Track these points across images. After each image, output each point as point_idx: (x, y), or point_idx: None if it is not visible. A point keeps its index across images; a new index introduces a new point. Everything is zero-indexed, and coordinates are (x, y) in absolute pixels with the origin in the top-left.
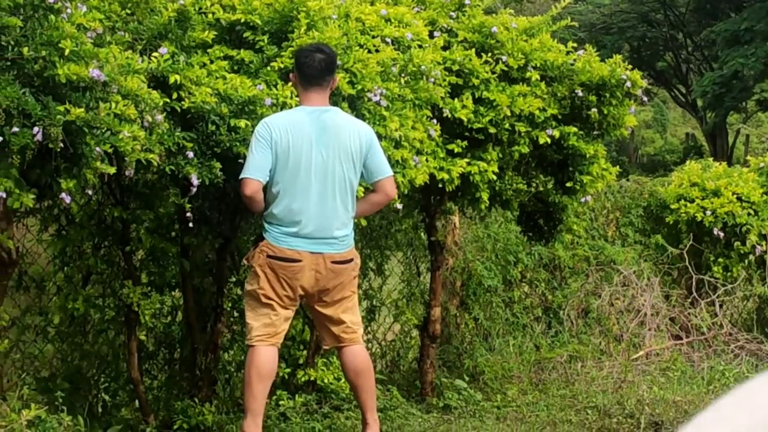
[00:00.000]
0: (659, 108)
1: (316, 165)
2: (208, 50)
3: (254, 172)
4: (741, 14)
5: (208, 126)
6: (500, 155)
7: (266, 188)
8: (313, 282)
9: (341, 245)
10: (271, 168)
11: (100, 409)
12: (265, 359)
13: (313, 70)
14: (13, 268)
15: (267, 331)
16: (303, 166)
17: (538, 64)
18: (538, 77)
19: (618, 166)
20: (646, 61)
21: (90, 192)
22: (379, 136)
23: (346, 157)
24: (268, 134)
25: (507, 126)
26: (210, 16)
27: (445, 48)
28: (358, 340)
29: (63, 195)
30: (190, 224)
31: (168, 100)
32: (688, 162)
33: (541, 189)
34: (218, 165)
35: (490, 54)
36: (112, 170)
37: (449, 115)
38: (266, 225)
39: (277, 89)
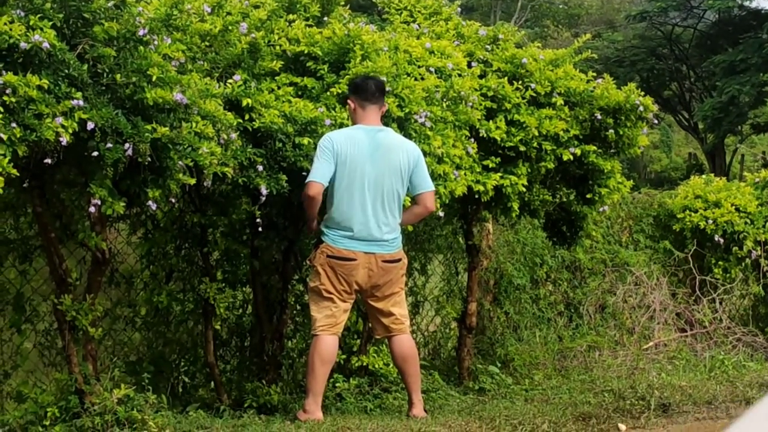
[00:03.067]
0: (665, 131)
1: (370, 177)
2: (276, 77)
3: (318, 176)
4: (737, 48)
5: (275, 143)
6: (529, 170)
7: (326, 196)
8: (366, 278)
9: (390, 246)
10: (332, 176)
11: (180, 390)
12: (327, 347)
13: (370, 90)
14: (106, 266)
15: (329, 322)
16: (358, 178)
17: (563, 91)
18: (563, 102)
19: (631, 181)
20: (654, 90)
21: (173, 200)
22: (424, 153)
23: (395, 171)
24: (331, 146)
25: (535, 145)
26: (277, 47)
27: (481, 76)
28: (406, 330)
29: (150, 203)
30: (260, 229)
31: (241, 121)
32: (692, 177)
33: (565, 200)
34: (284, 177)
35: (520, 82)
36: (193, 181)
37: (485, 135)
38: (325, 229)
39: (335, 111)
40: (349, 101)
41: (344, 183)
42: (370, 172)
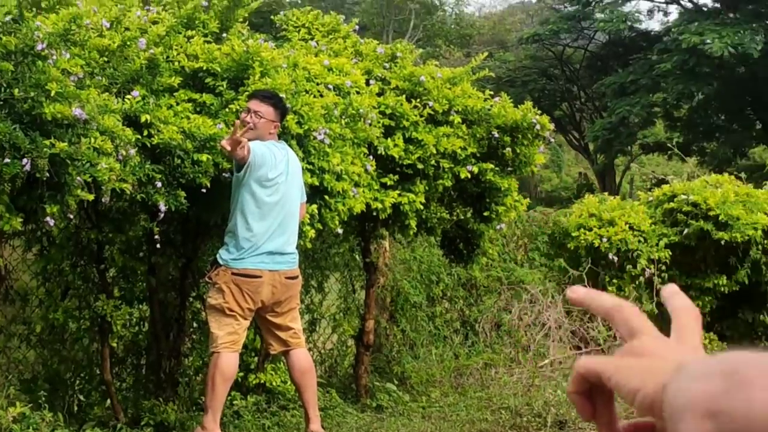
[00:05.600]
0: (556, 150)
1: (283, 192)
2: (175, 93)
3: (257, 155)
4: (627, 69)
5: (174, 159)
6: (427, 188)
7: (237, 211)
8: (270, 295)
9: (292, 263)
10: (250, 193)
11: (76, 408)
12: (228, 364)
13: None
14: (1, 283)
15: (231, 339)
16: (275, 193)
17: (460, 109)
18: (460, 120)
19: (527, 199)
20: (545, 110)
21: (70, 216)
22: (323, 170)
23: (298, 185)
24: (271, 156)
25: (433, 162)
26: (176, 63)
27: (379, 94)
28: (303, 344)
29: (48, 219)
30: (157, 246)
31: (139, 137)
32: (586, 196)
33: (462, 217)
34: (183, 194)
35: (418, 100)
36: (91, 197)
37: (383, 153)
38: (231, 246)
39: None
40: (274, 119)
41: (266, 200)
42: (283, 188)
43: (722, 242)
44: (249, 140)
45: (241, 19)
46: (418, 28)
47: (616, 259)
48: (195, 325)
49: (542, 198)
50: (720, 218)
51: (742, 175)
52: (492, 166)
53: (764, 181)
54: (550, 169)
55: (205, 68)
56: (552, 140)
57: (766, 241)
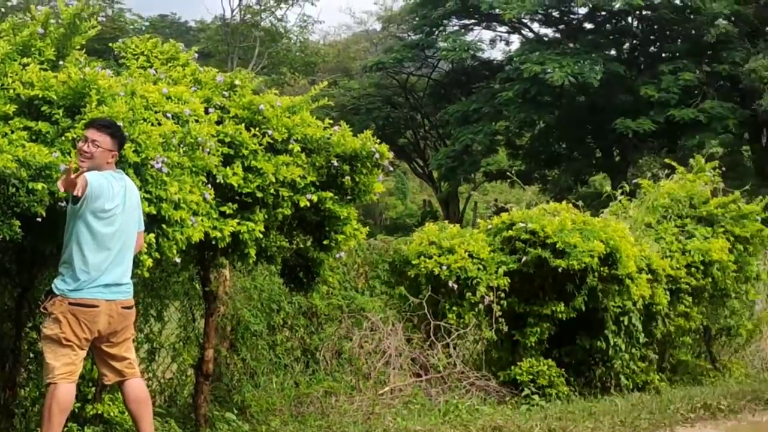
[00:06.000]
0: (400, 178)
1: (120, 221)
2: (9, 122)
3: (94, 186)
4: (470, 98)
5: (8, 188)
6: (266, 216)
7: (73, 242)
8: (107, 325)
9: (128, 293)
10: (86, 224)
11: None
12: (65, 395)
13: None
14: None
15: (68, 370)
16: (111, 224)
17: (300, 138)
18: (300, 149)
19: (367, 227)
20: (389, 137)
21: None
22: (161, 199)
23: (135, 214)
24: (109, 187)
25: (272, 191)
26: (11, 91)
27: (218, 122)
28: (138, 374)
29: None
30: None
31: None
32: (426, 224)
33: (302, 246)
34: (18, 223)
35: (257, 128)
36: None
37: (222, 181)
38: (68, 276)
39: (70, 156)
40: (111, 148)
41: (102, 231)
42: (121, 217)
43: (559, 269)
44: (86, 170)
45: (78, 47)
46: (263, 56)
47: (455, 286)
48: (31, 355)
49: (387, 225)
50: (557, 246)
51: (580, 203)
52: (331, 194)
53: (602, 209)
54: (395, 197)
55: (40, 96)
56: (392, 168)
57: (602, 269)
